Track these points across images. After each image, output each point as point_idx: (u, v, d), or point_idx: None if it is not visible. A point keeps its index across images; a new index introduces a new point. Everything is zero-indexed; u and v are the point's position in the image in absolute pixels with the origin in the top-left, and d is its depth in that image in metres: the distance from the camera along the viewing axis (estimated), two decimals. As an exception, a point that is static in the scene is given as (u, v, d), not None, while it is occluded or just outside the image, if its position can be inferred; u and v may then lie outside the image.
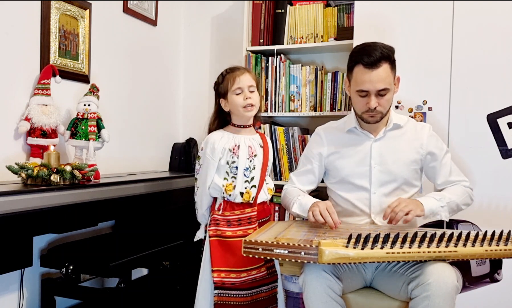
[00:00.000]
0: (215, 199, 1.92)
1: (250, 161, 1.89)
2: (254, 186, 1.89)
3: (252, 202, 1.88)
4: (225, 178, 1.87)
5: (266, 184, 1.95)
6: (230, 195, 1.86)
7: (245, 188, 1.88)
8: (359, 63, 1.75)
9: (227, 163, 1.87)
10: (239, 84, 1.86)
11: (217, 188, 1.88)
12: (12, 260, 1.69)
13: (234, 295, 1.87)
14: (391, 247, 1.44)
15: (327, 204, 1.72)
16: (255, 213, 1.88)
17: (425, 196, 1.80)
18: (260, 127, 2.70)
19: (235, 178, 1.86)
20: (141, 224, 2.39)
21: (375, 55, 1.72)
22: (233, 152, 1.87)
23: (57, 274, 2.09)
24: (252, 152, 1.90)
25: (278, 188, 2.67)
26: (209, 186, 1.89)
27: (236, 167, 1.86)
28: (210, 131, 1.96)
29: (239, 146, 1.87)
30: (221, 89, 1.91)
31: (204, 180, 1.90)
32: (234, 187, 1.86)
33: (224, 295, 1.86)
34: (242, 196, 1.87)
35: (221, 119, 1.97)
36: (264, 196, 1.93)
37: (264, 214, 1.95)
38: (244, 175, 1.87)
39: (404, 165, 1.85)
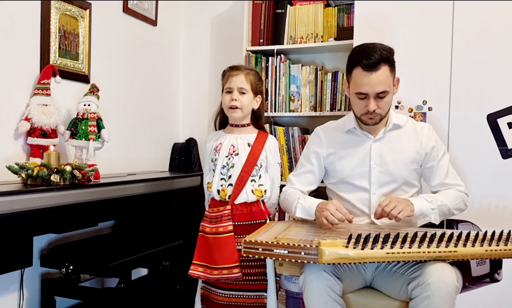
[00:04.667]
0: None
1: (229, 159, 1.91)
2: (231, 185, 1.90)
3: (228, 200, 1.89)
4: (213, 176, 1.94)
5: (260, 185, 1.93)
6: (211, 192, 1.93)
7: (221, 186, 1.90)
8: (358, 66, 1.74)
9: (212, 161, 1.95)
10: (229, 84, 1.91)
11: (205, 185, 1.98)
12: (12, 260, 1.69)
13: (213, 292, 1.92)
14: (391, 247, 1.44)
15: (336, 205, 1.70)
16: (227, 212, 1.87)
17: (416, 197, 1.80)
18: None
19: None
20: (141, 224, 2.39)
21: (374, 57, 1.71)
22: (215, 151, 1.93)
23: (57, 274, 2.09)
24: (233, 151, 1.91)
25: (281, 187, 2.67)
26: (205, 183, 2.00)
27: (216, 165, 1.92)
28: (215, 127, 2.05)
29: (222, 144, 1.93)
30: (222, 85, 1.98)
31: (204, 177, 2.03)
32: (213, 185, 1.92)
33: (206, 289, 1.95)
34: (218, 194, 1.91)
35: (224, 116, 2.01)
36: (245, 196, 1.89)
37: (250, 217, 1.90)
38: (221, 172, 1.91)
39: (404, 165, 1.84)
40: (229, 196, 1.89)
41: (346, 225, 1.78)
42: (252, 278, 1.89)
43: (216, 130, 2.04)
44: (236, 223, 1.88)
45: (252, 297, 1.89)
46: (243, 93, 1.90)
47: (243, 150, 1.91)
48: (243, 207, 1.90)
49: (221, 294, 1.89)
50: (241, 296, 1.89)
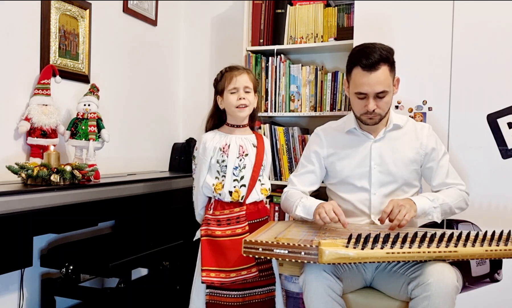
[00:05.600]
0: (210, 199, 1.95)
1: (240, 160, 1.90)
2: (244, 185, 1.89)
3: (241, 201, 1.89)
4: (216, 177, 1.90)
5: (263, 184, 1.95)
6: (220, 194, 1.88)
7: (234, 187, 1.89)
8: (357, 66, 1.75)
9: (218, 162, 1.90)
10: (235, 84, 1.89)
11: (208, 187, 1.91)
12: (12, 260, 1.69)
13: (225, 295, 1.88)
14: (391, 247, 1.44)
15: (333, 205, 1.70)
16: (244, 212, 1.88)
17: (418, 196, 1.80)
18: (260, 127, 2.70)
19: (225, 177, 1.88)
20: (141, 224, 2.39)
21: (373, 57, 1.71)
22: (223, 152, 1.89)
23: (57, 274, 2.09)
24: (243, 152, 1.90)
25: (279, 188, 2.68)
26: (202, 185, 1.93)
27: (226, 166, 1.89)
28: (206, 128, 2.00)
29: (229, 145, 1.90)
30: (219, 86, 1.95)
31: (198, 179, 1.96)
32: (223, 186, 1.88)
33: (215, 294, 1.89)
34: (231, 195, 1.88)
35: (217, 118, 1.99)
36: (256, 196, 1.92)
37: (258, 215, 1.93)
38: (233, 173, 1.89)
39: (404, 165, 1.84)
40: (242, 197, 1.89)
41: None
42: (263, 274, 1.90)
43: (206, 132, 1.99)
44: (248, 222, 1.89)
45: (264, 292, 1.90)
46: (247, 92, 1.90)
47: (251, 151, 1.92)
48: (252, 206, 1.92)
49: (235, 296, 1.88)
50: (254, 293, 1.89)
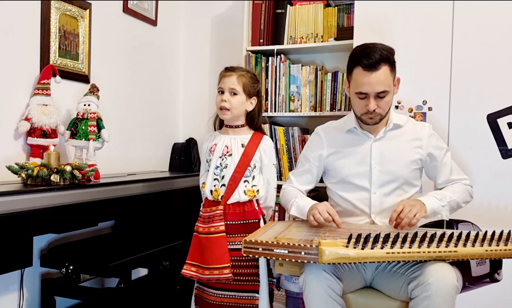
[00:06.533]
0: None
1: (222, 160, 1.92)
2: (224, 185, 1.90)
3: (220, 200, 1.90)
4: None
5: (254, 186, 1.92)
6: (204, 192, 1.95)
7: (214, 186, 1.92)
8: (358, 65, 1.75)
9: (207, 162, 1.96)
10: (221, 84, 1.93)
11: (201, 185, 1.99)
12: (12, 260, 1.69)
13: (206, 292, 1.93)
14: (391, 247, 1.44)
15: (327, 206, 1.71)
16: (220, 212, 1.88)
17: (426, 196, 1.80)
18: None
19: None
20: (141, 224, 2.39)
21: (374, 57, 1.71)
22: (210, 151, 1.95)
23: (57, 274, 2.09)
24: (227, 152, 1.92)
25: (279, 188, 2.67)
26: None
27: (210, 165, 1.94)
28: (214, 126, 2.06)
29: (216, 145, 1.94)
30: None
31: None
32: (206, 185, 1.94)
33: (200, 289, 1.96)
34: (211, 194, 1.92)
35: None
36: (238, 196, 1.90)
37: (242, 216, 1.90)
38: (214, 173, 1.92)
39: (405, 165, 1.84)
40: (222, 196, 1.90)
41: (346, 225, 1.78)
42: (244, 278, 1.88)
43: (215, 130, 2.05)
44: (228, 222, 1.88)
45: (244, 297, 1.89)
46: (234, 94, 1.90)
47: (236, 151, 1.92)
48: (235, 207, 1.90)
49: (213, 294, 1.90)
50: (233, 297, 1.89)
